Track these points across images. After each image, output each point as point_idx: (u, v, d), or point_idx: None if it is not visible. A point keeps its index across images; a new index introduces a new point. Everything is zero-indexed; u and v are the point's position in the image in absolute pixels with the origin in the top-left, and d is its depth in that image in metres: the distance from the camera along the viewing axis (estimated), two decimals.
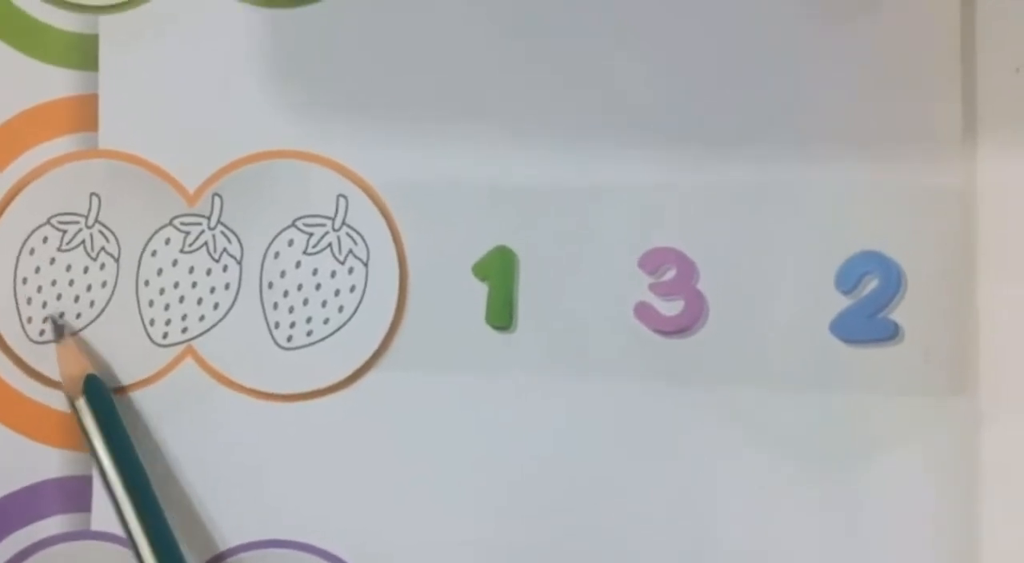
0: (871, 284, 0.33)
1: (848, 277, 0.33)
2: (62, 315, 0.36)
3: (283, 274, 0.35)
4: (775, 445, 0.33)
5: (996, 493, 0.32)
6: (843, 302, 0.33)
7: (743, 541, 0.33)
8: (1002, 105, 0.33)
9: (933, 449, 0.32)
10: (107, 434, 0.34)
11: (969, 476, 0.32)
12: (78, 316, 0.36)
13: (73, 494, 0.36)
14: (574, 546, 0.34)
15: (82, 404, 0.34)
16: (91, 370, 0.35)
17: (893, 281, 0.33)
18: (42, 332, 0.36)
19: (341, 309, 0.35)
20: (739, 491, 0.33)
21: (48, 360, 0.36)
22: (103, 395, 0.35)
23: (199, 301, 0.36)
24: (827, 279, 0.33)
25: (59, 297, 0.36)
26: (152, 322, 0.36)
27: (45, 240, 0.36)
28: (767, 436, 0.33)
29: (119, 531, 0.35)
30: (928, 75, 0.33)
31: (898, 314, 0.33)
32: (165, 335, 0.36)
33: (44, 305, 0.36)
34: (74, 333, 0.36)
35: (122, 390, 0.36)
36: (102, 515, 0.36)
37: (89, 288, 0.36)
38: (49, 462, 0.36)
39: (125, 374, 0.36)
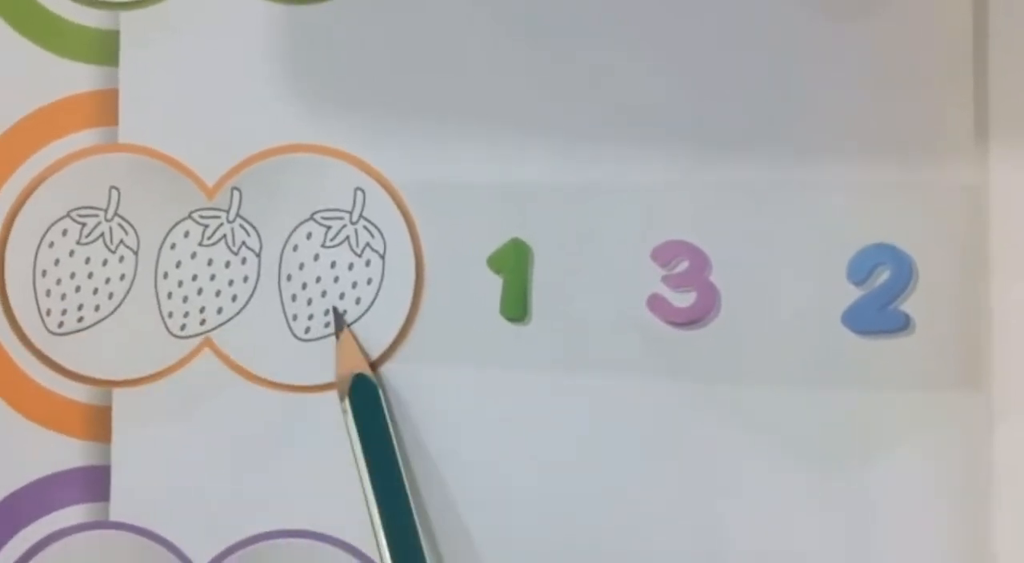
0: (883, 275, 0.33)
1: (860, 268, 0.33)
2: (345, 312, 0.36)
3: (301, 267, 0.36)
4: (785, 437, 0.33)
5: (1007, 488, 0.32)
6: (855, 293, 0.33)
7: (752, 535, 0.34)
8: (1014, 102, 0.33)
9: (944, 444, 0.33)
10: (367, 439, 0.34)
11: (980, 471, 0.32)
12: (97, 308, 0.36)
13: (92, 484, 0.36)
14: (585, 539, 0.34)
15: (346, 406, 0.35)
16: (361, 369, 0.35)
17: (905, 272, 0.33)
18: (61, 324, 0.37)
19: (358, 301, 0.35)
20: (749, 484, 0.34)
21: (66, 351, 0.36)
22: (370, 397, 0.35)
23: (217, 293, 0.36)
24: (839, 270, 0.33)
25: (78, 289, 0.36)
26: (171, 314, 0.36)
27: (65, 233, 0.37)
28: (777, 428, 0.33)
29: (137, 521, 0.36)
30: (940, 73, 0.33)
31: (909, 306, 0.33)
32: (183, 327, 0.36)
33: (63, 297, 0.36)
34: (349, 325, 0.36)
35: (140, 381, 0.36)
36: (121, 505, 0.36)
37: (108, 281, 0.36)
38: (68, 452, 0.36)
39: (143, 366, 0.36)
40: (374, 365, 0.35)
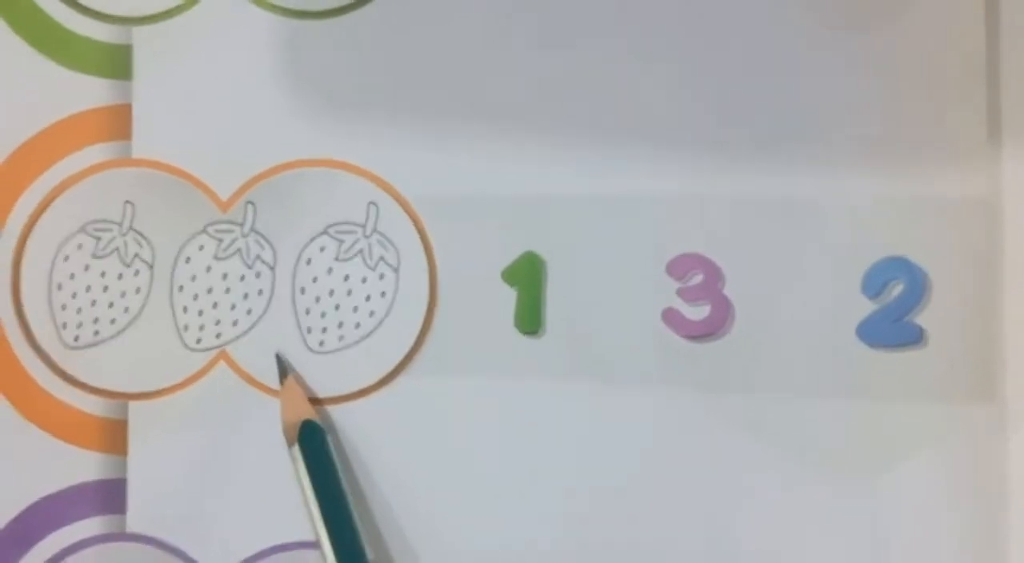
0: (897, 289, 0.33)
1: (874, 282, 0.33)
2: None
3: (315, 280, 0.36)
4: (800, 450, 0.34)
5: (1020, 500, 0.32)
6: (869, 306, 0.33)
7: (766, 547, 0.34)
8: None
9: (958, 457, 0.33)
10: (318, 486, 0.34)
11: (994, 484, 0.32)
12: (112, 322, 0.36)
13: (109, 496, 0.36)
14: (599, 551, 0.34)
15: (295, 453, 0.34)
16: (309, 415, 0.35)
17: (918, 286, 0.33)
18: (77, 338, 0.37)
19: (372, 314, 0.36)
20: (763, 497, 0.34)
21: (82, 365, 0.37)
22: (319, 443, 0.35)
23: (232, 307, 0.36)
24: (853, 284, 0.33)
25: (94, 303, 0.37)
26: (186, 327, 0.36)
27: (80, 247, 0.37)
28: (792, 442, 0.34)
29: (154, 533, 0.36)
30: (953, 86, 0.33)
31: (923, 319, 0.33)
32: (199, 340, 0.36)
33: (79, 311, 0.37)
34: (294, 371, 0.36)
35: (156, 394, 0.36)
36: (138, 517, 0.36)
37: (123, 294, 0.37)
38: (85, 465, 0.36)
39: (159, 379, 0.36)
40: (387, 378, 0.35)
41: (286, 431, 0.35)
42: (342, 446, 0.35)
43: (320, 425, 0.35)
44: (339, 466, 0.35)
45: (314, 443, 0.34)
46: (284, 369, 0.35)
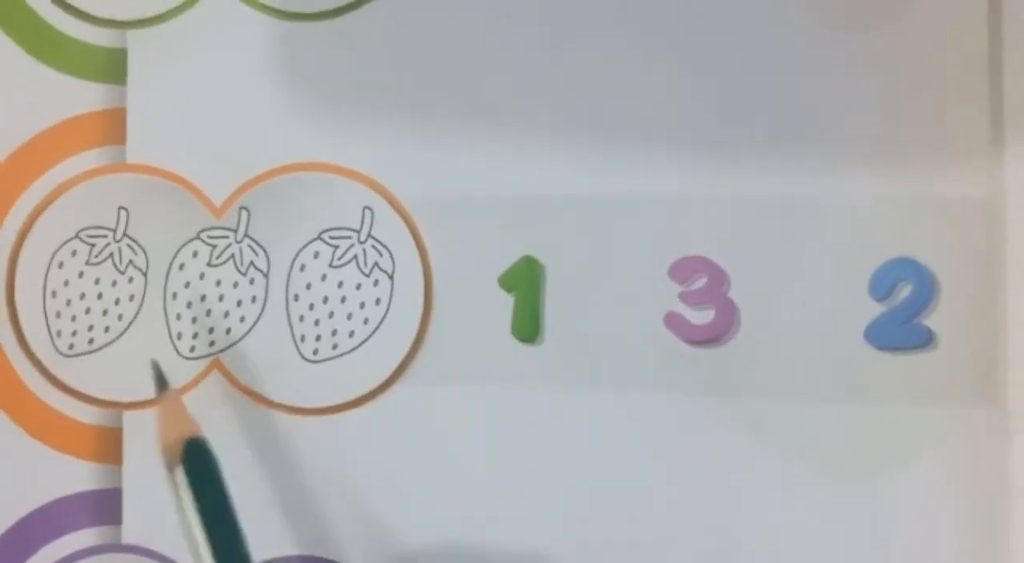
0: (905, 291, 0.32)
1: (882, 284, 0.32)
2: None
3: (309, 287, 0.35)
4: (804, 454, 0.33)
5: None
6: (877, 309, 0.32)
7: (771, 551, 0.33)
8: None
9: (961, 459, 0.32)
10: (204, 511, 0.30)
11: (997, 486, 0.32)
12: (107, 329, 0.36)
13: (104, 507, 0.36)
14: (601, 556, 0.34)
15: (180, 476, 0.30)
16: (193, 433, 0.31)
17: (927, 287, 0.32)
18: (71, 346, 0.36)
19: (366, 322, 0.35)
20: (769, 501, 0.33)
21: (76, 373, 0.36)
22: (207, 464, 0.30)
23: (226, 314, 0.36)
24: (860, 286, 0.33)
25: (88, 311, 0.36)
26: (179, 335, 0.36)
27: (74, 253, 0.36)
28: (797, 445, 0.33)
29: (150, 544, 0.36)
30: (955, 86, 0.32)
31: (932, 321, 0.32)
32: (192, 348, 0.36)
33: (73, 319, 0.36)
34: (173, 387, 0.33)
35: (150, 404, 0.36)
36: (133, 528, 0.36)
37: (117, 301, 0.36)
38: (80, 475, 0.36)
39: (152, 387, 0.36)
40: (383, 386, 0.35)
41: (165, 452, 0.31)
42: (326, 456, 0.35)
43: (206, 444, 0.31)
44: (227, 492, 0.30)
45: (201, 465, 0.30)
46: (162, 379, 0.33)
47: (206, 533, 0.29)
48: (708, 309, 0.33)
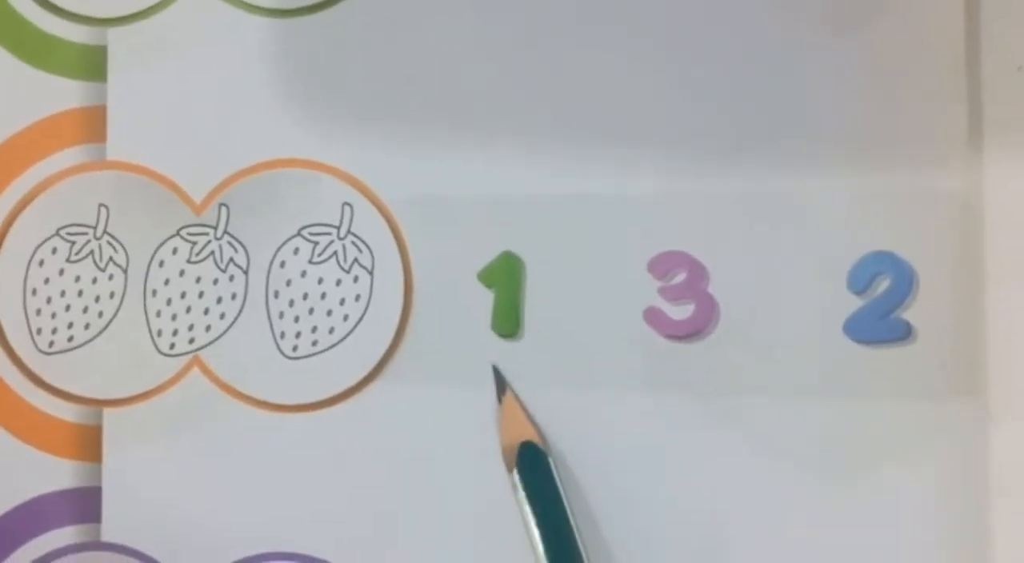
0: (883, 284, 0.32)
1: (860, 277, 0.32)
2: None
3: (288, 283, 0.35)
4: (786, 448, 0.33)
5: (1006, 496, 0.31)
6: (855, 302, 0.32)
7: (753, 546, 0.33)
8: (1007, 109, 0.32)
9: (942, 452, 0.32)
10: (540, 512, 0.32)
11: (978, 479, 0.32)
12: (87, 327, 0.36)
13: (83, 505, 0.36)
14: (586, 554, 0.33)
15: (515, 479, 0.33)
16: (529, 437, 0.33)
17: (905, 281, 0.32)
18: (51, 343, 0.36)
19: (346, 318, 0.35)
20: (751, 496, 0.33)
21: (57, 371, 0.36)
22: (540, 467, 0.33)
23: (206, 311, 0.36)
24: (839, 280, 0.32)
25: (68, 308, 0.36)
26: (159, 332, 0.36)
27: (54, 251, 0.36)
28: (779, 439, 0.33)
29: (129, 542, 0.36)
30: (934, 82, 0.32)
31: (910, 314, 0.32)
32: (172, 345, 0.36)
33: (53, 316, 0.36)
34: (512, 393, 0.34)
35: (130, 401, 0.36)
36: (113, 526, 0.36)
37: (97, 299, 0.36)
38: (59, 473, 0.36)
39: (133, 385, 0.36)
40: (363, 382, 0.35)
41: (504, 455, 0.33)
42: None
43: (541, 447, 0.33)
44: (563, 493, 0.32)
45: (534, 468, 0.33)
46: (502, 384, 0.34)
47: (539, 532, 0.32)
48: (687, 304, 0.33)
